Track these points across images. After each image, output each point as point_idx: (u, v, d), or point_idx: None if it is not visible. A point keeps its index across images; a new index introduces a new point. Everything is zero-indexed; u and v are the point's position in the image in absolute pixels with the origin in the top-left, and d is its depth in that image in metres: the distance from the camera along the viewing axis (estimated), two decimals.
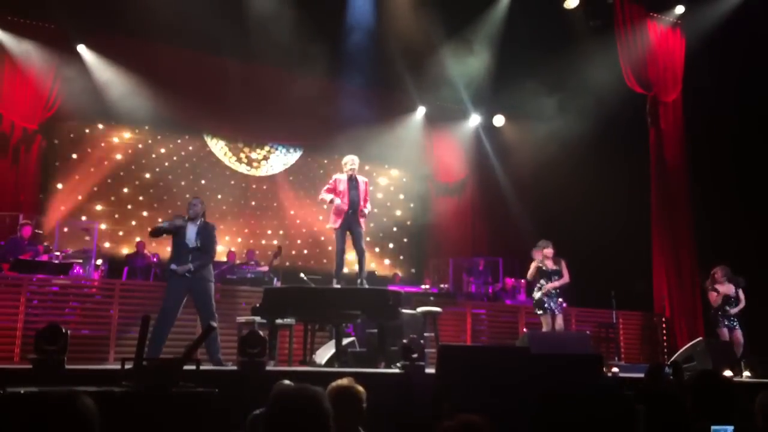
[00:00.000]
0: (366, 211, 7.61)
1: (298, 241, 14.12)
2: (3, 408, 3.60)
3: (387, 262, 14.96)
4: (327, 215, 13.19)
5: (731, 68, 10.35)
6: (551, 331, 8.53)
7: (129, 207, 12.75)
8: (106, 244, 11.93)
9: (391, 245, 15.14)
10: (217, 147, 13.69)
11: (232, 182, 13.71)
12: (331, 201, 7.53)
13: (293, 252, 13.82)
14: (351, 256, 8.29)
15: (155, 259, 11.02)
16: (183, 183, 13.16)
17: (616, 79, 11.57)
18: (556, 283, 8.67)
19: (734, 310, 9.08)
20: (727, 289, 9.15)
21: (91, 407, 1.94)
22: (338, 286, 7.50)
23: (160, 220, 7.36)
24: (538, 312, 8.74)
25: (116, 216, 12.60)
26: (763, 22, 9.80)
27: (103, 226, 12.07)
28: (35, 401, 1.93)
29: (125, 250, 12.00)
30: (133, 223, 12.80)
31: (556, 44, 11.39)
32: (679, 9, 11.71)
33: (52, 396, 1.94)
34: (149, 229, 7.30)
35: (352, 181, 7.61)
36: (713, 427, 3.00)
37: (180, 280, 6.78)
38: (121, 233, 12.54)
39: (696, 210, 11.27)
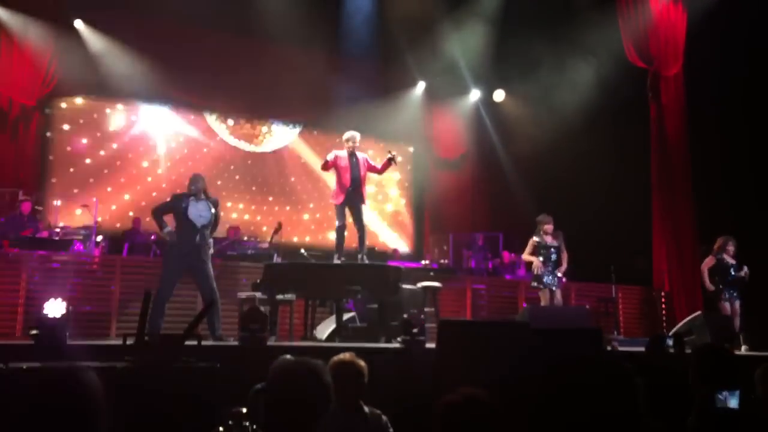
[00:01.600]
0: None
1: (295, 217, 14.12)
2: (5, 383, 3.64)
3: (387, 237, 14.97)
4: (324, 192, 13.35)
5: (733, 42, 10.26)
6: (551, 306, 8.56)
7: (128, 183, 12.70)
8: (99, 218, 11.87)
9: (390, 221, 15.16)
10: (217, 122, 13.64)
11: (232, 158, 13.67)
12: (325, 163, 7.54)
13: (293, 228, 13.83)
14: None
15: (153, 237, 11.02)
16: (181, 158, 13.11)
17: (617, 53, 11.48)
18: (559, 272, 8.71)
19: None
20: (730, 259, 9.12)
21: (95, 382, 1.91)
22: (338, 262, 7.53)
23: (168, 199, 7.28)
24: (535, 285, 8.77)
25: (114, 192, 12.56)
26: None
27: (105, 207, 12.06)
28: (39, 376, 1.91)
29: (118, 224, 11.99)
30: (143, 202, 12.77)
31: (556, 18, 11.29)
32: None
33: (56, 371, 1.91)
34: (152, 209, 7.27)
35: (353, 157, 7.61)
36: (717, 395, 3.02)
37: (181, 259, 6.78)
38: (114, 207, 12.45)
39: (696, 185, 11.25)
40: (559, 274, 8.74)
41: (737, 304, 8.99)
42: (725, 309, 8.96)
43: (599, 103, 11.34)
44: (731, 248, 9.02)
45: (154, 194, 12.69)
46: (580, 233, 11.17)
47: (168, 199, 7.22)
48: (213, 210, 7.01)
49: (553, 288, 8.65)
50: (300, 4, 11.12)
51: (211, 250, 7.10)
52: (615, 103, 11.42)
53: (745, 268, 8.95)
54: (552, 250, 8.71)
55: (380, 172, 7.93)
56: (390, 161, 7.60)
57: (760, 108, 10.41)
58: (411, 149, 15.43)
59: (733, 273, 9.03)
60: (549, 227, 8.80)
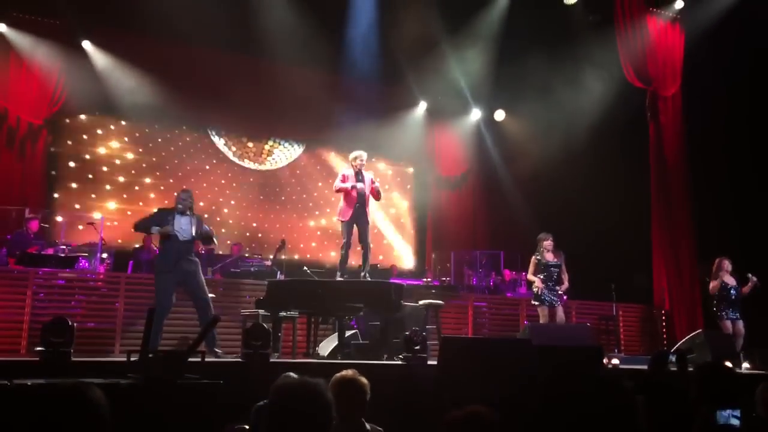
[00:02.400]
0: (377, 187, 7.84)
1: (298, 234, 14.17)
2: (11, 399, 3.67)
3: (389, 254, 15.01)
4: (326, 208, 13.42)
5: (730, 63, 10.37)
6: (552, 324, 8.59)
7: (133, 201, 12.79)
8: (105, 237, 11.97)
9: (391, 239, 15.21)
10: (221, 142, 13.74)
11: (237, 177, 13.76)
12: (353, 187, 7.63)
13: (296, 246, 13.88)
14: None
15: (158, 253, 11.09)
16: (184, 176, 13.20)
17: (616, 74, 11.61)
18: (561, 290, 8.80)
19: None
20: (730, 279, 9.22)
21: (101, 398, 1.94)
22: (341, 279, 7.59)
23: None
24: (535, 303, 8.82)
25: (121, 210, 12.65)
26: (762, 16, 9.81)
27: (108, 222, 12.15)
28: (45, 392, 1.93)
29: (119, 240, 12.06)
30: (131, 214, 12.83)
31: (555, 39, 11.43)
32: (679, 3, 11.71)
33: (62, 387, 1.94)
34: (134, 222, 7.37)
35: (359, 175, 7.73)
36: (718, 413, 3.05)
37: (169, 276, 6.83)
38: (116, 224, 12.51)
39: (695, 204, 11.31)
40: (560, 291, 8.79)
41: (740, 324, 9.05)
42: (726, 327, 9.01)
43: (598, 122, 11.44)
44: (728, 267, 9.15)
45: (155, 210, 12.78)
46: (580, 251, 11.22)
47: (153, 213, 7.38)
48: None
49: (555, 304, 8.70)
50: (303, 26, 11.27)
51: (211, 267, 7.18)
52: (614, 122, 11.52)
53: (751, 278, 9.07)
54: (552, 268, 8.77)
55: (372, 196, 8.00)
56: (375, 191, 7.84)
57: (759, 128, 10.50)
58: (412, 169, 15.53)
59: (733, 293, 9.10)
60: (548, 244, 8.87)
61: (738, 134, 10.64)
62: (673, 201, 11.47)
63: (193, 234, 6.99)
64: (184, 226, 6.96)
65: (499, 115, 14.30)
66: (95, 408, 1.92)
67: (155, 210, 7.36)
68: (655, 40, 11.62)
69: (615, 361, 8.15)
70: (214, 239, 7.48)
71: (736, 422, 3.06)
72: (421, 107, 14.23)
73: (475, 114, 14.48)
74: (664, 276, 11.32)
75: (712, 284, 9.25)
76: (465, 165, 14.62)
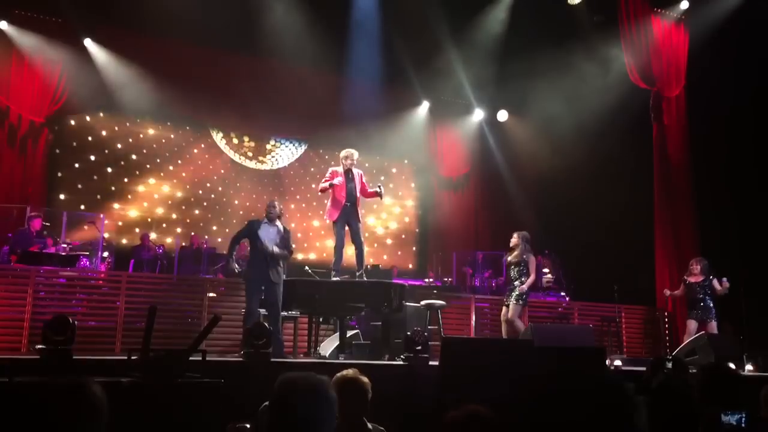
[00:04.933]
0: (380, 190, 7.78)
1: (300, 234, 14.17)
2: (11, 396, 3.66)
3: (397, 254, 15.01)
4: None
5: (735, 64, 10.35)
6: (555, 324, 8.57)
7: (134, 200, 12.81)
8: (106, 234, 11.98)
9: (394, 239, 15.21)
10: (223, 141, 13.74)
11: (239, 176, 13.76)
12: (331, 186, 7.55)
13: (298, 245, 13.88)
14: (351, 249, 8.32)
15: (161, 251, 11.10)
16: (187, 175, 13.21)
17: (620, 75, 11.59)
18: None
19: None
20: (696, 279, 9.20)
21: (100, 395, 1.91)
22: (337, 279, 7.57)
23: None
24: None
25: (121, 208, 12.66)
26: (766, 17, 9.79)
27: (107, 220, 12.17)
28: (44, 389, 1.90)
29: (124, 240, 12.10)
30: (149, 219, 12.89)
31: (559, 39, 11.40)
32: (684, 4, 11.70)
33: (61, 384, 1.91)
34: (231, 240, 7.44)
35: (349, 174, 7.67)
36: (723, 416, 3.03)
37: (257, 283, 6.97)
38: (120, 223, 12.56)
39: (698, 205, 11.28)
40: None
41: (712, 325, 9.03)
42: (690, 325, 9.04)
43: (602, 123, 11.40)
44: (695, 268, 9.14)
45: (159, 211, 12.78)
46: (583, 253, 11.21)
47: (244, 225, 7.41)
48: (288, 237, 7.25)
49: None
50: (307, 25, 11.27)
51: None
52: (618, 123, 11.48)
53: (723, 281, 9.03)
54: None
55: (366, 195, 7.92)
56: (376, 194, 7.73)
57: (762, 129, 10.47)
58: (414, 168, 15.51)
59: (698, 291, 9.09)
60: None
61: (742, 136, 10.61)
62: (676, 202, 11.44)
63: (273, 247, 7.04)
64: (269, 237, 7.06)
65: (502, 115, 14.27)
66: (94, 405, 1.90)
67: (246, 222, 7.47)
68: (659, 41, 11.60)
69: (617, 362, 8.13)
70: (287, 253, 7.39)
71: (741, 425, 3.03)
72: (424, 107, 14.21)
73: (478, 114, 14.46)
74: (667, 277, 11.28)
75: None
76: (467, 165, 14.59)
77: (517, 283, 8.56)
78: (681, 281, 9.44)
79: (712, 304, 9.06)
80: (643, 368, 6.36)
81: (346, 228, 7.75)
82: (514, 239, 8.76)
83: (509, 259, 8.76)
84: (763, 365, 7.99)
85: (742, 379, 3.42)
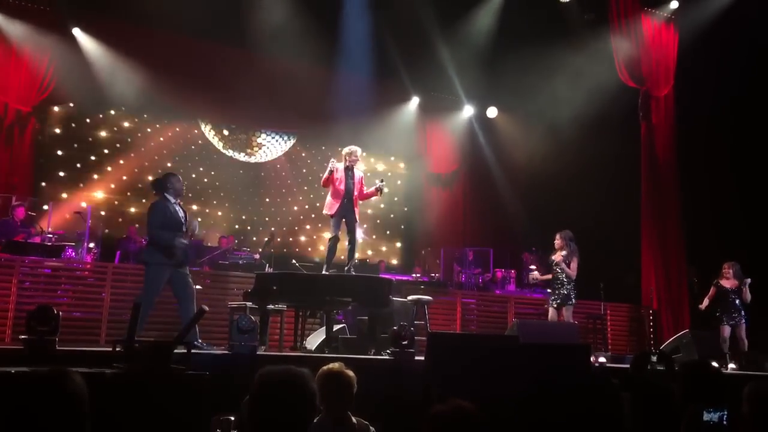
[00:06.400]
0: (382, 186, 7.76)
1: (287, 228, 14.15)
2: None
3: (380, 249, 15.02)
4: (316, 202, 13.36)
5: (724, 64, 10.41)
6: (540, 321, 8.63)
7: (121, 191, 12.73)
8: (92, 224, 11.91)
9: (381, 234, 15.23)
10: (212, 133, 13.67)
11: (227, 168, 13.70)
12: (330, 172, 7.52)
13: (285, 239, 13.87)
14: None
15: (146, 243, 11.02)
16: (174, 166, 13.12)
17: (609, 73, 11.62)
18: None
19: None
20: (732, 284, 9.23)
21: (80, 385, 1.92)
22: (327, 273, 7.56)
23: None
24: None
25: (109, 200, 12.58)
26: (755, 18, 9.85)
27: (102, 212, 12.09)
28: (24, 380, 1.92)
29: (107, 230, 12.01)
30: (132, 209, 12.81)
31: (550, 36, 11.41)
32: (674, 4, 11.77)
33: (41, 374, 1.92)
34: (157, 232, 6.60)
35: (349, 171, 7.66)
36: (705, 413, 3.05)
37: (164, 269, 6.49)
38: (103, 213, 12.47)
39: (685, 204, 11.35)
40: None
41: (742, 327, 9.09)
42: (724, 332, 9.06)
43: (591, 121, 11.44)
44: (728, 272, 9.18)
45: (144, 201, 12.71)
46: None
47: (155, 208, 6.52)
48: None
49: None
50: (297, 19, 11.21)
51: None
52: (606, 122, 11.53)
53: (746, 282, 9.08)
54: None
55: (363, 197, 7.88)
56: (378, 191, 7.70)
57: (749, 129, 10.55)
58: (403, 164, 15.51)
59: (731, 296, 9.12)
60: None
61: (729, 136, 10.69)
62: (663, 201, 11.52)
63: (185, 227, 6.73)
64: (181, 217, 6.53)
65: (492, 112, 14.29)
66: (74, 395, 1.90)
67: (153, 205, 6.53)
68: (649, 40, 11.66)
69: (602, 359, 8.19)
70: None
71: (723, 422, 3.06)
72: (414, 102, 14.19)
73: (468, 110, 14.46)
74: (652, 276, 11.37)
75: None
76: (456, 162, 14.60)
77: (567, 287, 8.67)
78: (712, 284, 9.30)
79: (742, 308, 9.14)
80: (627, 365, 6.41)
81: (342, 223, 7.72)
82: (558, 241, 8.86)
83: (556, 259, 8.83)
84: (745, 364, 8.08)
85: (723, 377, 3.45)
